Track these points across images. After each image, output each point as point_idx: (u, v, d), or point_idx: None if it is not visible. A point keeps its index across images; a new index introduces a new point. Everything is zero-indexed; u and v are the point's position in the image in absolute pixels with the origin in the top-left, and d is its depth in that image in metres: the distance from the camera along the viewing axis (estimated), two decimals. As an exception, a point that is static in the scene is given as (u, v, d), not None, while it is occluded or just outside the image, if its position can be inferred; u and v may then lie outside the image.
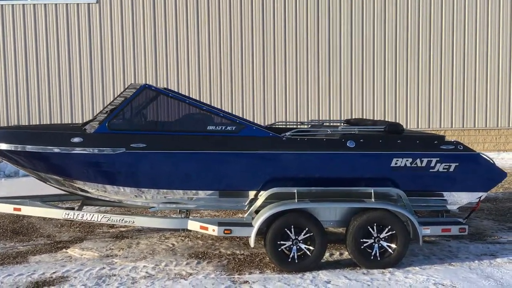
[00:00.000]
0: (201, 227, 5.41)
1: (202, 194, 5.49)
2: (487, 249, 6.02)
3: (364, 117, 13.52)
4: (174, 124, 5.51)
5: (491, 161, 5.70)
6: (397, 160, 5.52)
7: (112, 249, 6.11)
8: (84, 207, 6.49)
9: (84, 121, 6.00)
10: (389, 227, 5.34)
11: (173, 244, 6.25)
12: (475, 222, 7.24)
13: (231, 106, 13.25)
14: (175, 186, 5.39)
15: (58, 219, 6.83)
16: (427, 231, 5.43)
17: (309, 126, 7.19)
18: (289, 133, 5.57)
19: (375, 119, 13.47)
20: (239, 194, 5.57)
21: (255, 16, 13.26)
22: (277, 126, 7.38)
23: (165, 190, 5.39)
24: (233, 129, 5.43)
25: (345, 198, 5.50)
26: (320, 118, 13.45)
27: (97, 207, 7.27)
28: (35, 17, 12.80)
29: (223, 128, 5.42)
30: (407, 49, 13.59)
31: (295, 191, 5.38)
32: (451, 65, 13.75)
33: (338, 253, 5.88)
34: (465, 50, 13.74)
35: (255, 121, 12.93)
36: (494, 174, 5.66)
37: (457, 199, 5.71)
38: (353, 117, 13.42)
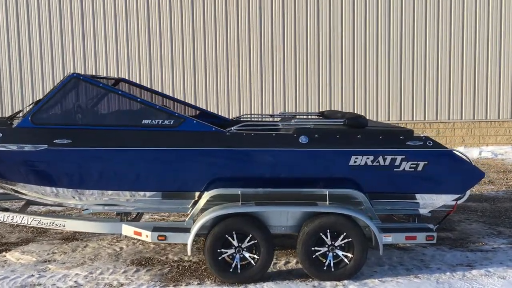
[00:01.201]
0: (135, 233, 4.88)
1: (140, 195, 4.96)
2: (465, 259, 5.34)
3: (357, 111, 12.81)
4: (105, 117, 4.98)
5: (467, 159, 5.01)
6: (356, 158, 4.87)
7: (55, 253, 5.65)
8: (30, 206, 6.04)
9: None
10: (345, 234, 4.72)
11: (121, 248, 5.76)
12: (463, 226, 6.54)
13: (227, 97, 12.71)
14: (108, 186, 4.87)
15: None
16: (388, 238, 4.78)
17: (279, 119, 6.57)
18: (235, 127, 4.98)
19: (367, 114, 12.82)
20: (182, 195, 5.02)
21: (252, 10, 12.65)
22: (243, 119, 6.78)
23: (96, 192, 4.88)
24: (171, 123, 4.87)
25: (297, 200, 4.89)
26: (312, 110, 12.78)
27: (48, 207, 6.81)
28: None
29: (159, 122, 4.87)
30: (414, 45, 12.79)
31: (239, 192, 4.80)
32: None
33: (295, 261, 5.28)
34: (464, 42, 12.88)
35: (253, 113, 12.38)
36: (470, 174, 4.96)
37: (428, 202, 5.04)
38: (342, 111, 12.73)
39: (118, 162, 4.82)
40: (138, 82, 12.24)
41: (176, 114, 4.89)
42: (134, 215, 5.85)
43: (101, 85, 4.91)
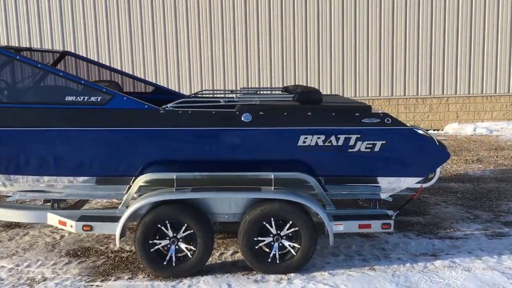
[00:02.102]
0: (60, 222, 4.43)
1: (70, 181, 4.49)
2: (431, 247, 4.85)
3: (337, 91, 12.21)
4: (24, 94, 4.48)
5: (430, 138, 4.48)
6: (306, 138, 4.36)
7: (-11, 242, 5.23)
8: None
9: None
10: (291, 222, 4.23)
11: (62, 237, 5.32)
12: (437, 209, 6.03)
13: (223, 72, 12.16)
14: (29, 171, 4.40)
15: None
16: (339, 227, 4.30)
17: (238, 95, 6.05)
18: (171, 104, 4.47)
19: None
20: (117, 181, 4.55)
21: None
22: (202, 95, 6.25)
23: (16, 177, 4.41)
24: (98, 100, 4.37)
25: (240, 185, 4.40)
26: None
27: None
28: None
29: (85, 99, 4.36)
30: (406, 16, 12.11)
31: (174, 177, 4.31)
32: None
33: (244, 250, 4.80)
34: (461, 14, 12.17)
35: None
36: (433, 154, 4.44)
37: (388, 186, 4.54)
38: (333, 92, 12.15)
39: (40, 144, 4.34)
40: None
41: (104, 90, 4.38)
42: (75, 202, 5.41)
43: (18, 57, 4.40)
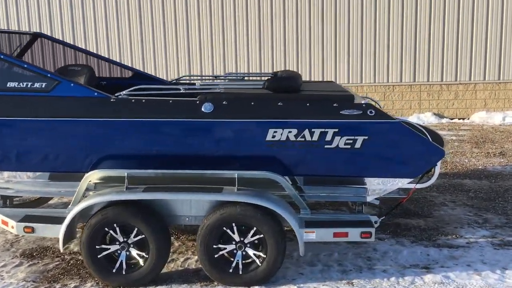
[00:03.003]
0: (3, 222, 4.01)
1: (16, 175, 4.06)
2: (425, 258, 4.23)
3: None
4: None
5: (423, 133, 3.84)
6: (275, 132, 3.79)
7: (-50, 238, 4.88)
8: None
9: None
10: (255, 228, 3.70)
11: (23, 236, 4.91)
12: (443, 211, 5.37)
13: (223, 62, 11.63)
14: None
15: None
16: (311, 235, 3.73)
17: (226, 80, 5.50)
18: (125, 92, 3.97)
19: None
20: (69, 177, 4.10)
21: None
22: (182, 81, 5.73)
23: (-43, 172, 4.01)
24: (43, 86, 3.90)
25: (200, 185, 3.88)
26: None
27: None
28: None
29: (28, 85, 3.90)
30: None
31: (125, 174, 3.82)
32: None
33: (212, 256, 4.29)
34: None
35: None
36: (425, 153, 3.81)
37: (372, 187, 3.94)
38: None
39: None
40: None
41: (49, 75, 3.91)
42: (34, 199, 5.01)
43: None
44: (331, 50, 11.53)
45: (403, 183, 3.92)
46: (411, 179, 3.90)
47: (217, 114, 3.81)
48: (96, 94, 3.91)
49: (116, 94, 3.95)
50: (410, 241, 4.58)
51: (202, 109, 3.82)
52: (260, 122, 3.79)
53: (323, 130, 3.77)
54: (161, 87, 4.01)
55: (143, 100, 3.88)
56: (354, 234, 3.73)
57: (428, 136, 3.82)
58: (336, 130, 3.77)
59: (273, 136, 3.80)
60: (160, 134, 3.85)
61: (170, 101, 3.87)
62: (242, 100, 3.85)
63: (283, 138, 3.80)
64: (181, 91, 3.99)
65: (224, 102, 3.83)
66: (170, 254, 4.12)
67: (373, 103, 5.51)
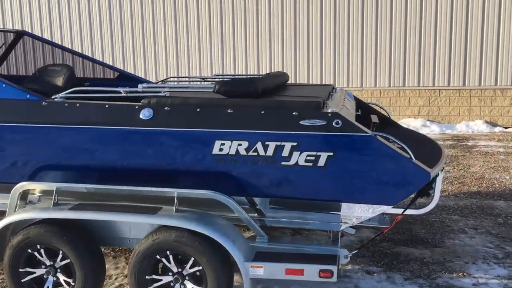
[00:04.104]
0: None
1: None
2: (413, 302, 3.46)
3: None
4: None
5: (400, 152, 3.09)
6: (223, 144, 3.18)
7: None
8: None
9: None
10: (193, 259, 3.10)
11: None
12: (461, 238, 4.54)
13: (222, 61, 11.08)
14: None
15: None
16: (258, 271, 3.08)
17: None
18: (61, 95, 3.49)
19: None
20: (7, 188, 3.68)
21: None
22: (169, 81, 5.21)
23: None
24: (-30, 87, 3.50)
25: (144, 203, 3.34)
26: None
27: None
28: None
29: (-45, 87, 3.51)
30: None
31: (54, 188, 3.34)
32: None
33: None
34: None
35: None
36: (404, 175, 3.06)
37: (342, 214, 3.23)
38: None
39: None
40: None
41: (-22, 76, 3.50)
42: None
43: None
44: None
45: (380, 210, 3.18)
46: (388, 207, 3.15)
47: (156, 122, 3.25)
48: (28, 96, 3.45)
49: (53, 97, 3.48)
50: (404, 277, 3.81)
51: (140, 116, 3.27)
52: (205, 132, 3.20)
53: (278, 143, 3.12)
54: (102, 89, 3.49)
55: (77, 104, 3.38)
56: (310, 272, 3.05)
57: (411, 154, 3.07)
58: (295, 144, 3.11)
59: (221, 149, 3.19)
60: (94, 143, 3.34)
61: (106, 106, 3.35)
62: (186, 106, 3.26)
63: (232, 151, 3.18)
64: (122, 94, 3.46)
65: (166, 108, 3.27)
66: (110, 279, 3.60)
67: (382, 110, 4.77)
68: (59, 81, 4.92)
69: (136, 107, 3.30)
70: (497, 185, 6.21)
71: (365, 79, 10.87)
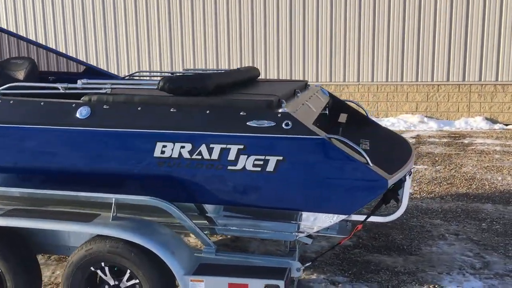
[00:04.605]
0: None
1: None
2: (374, 317, 3.19)
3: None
4: None
5: (356, 156, 2.81)
6: (165, 147, 2.93)
7: None
8: None
9: None
10: (129, 271, 2.86)
11: None
12: (439, 245, 4.26)
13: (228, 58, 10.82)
14: None
15: None
16: (198, 285, 2.82)
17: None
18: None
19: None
20: None
21: None
22: (135, 76, 4.94)
23: None
24: None
25: (77, 208, 3.09)
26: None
27: None
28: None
29: None
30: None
31: (-13, 193, 3.10)
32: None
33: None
34: None
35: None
36: (360, 182, 2.78)
37: (295, 223, 2.97)
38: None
39: None
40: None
41: None
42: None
43: None
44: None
45: (333, 220, 2.91)
46: (343, 216, 2.88)
47: (93, 121, 3.00)
48: (-39, 93, 3.21)
49: (-11, 93, 3.24)
50: (370, 289, 3.55)
51: (77, 115, 3.02)
52: (145, 133, 2.94)
53: (224, 146, 2.86)
54: (39, 85, 3.24)
55: (11, 101, 3.13)
56: (255, 287, 2.79)
57: (367, 159, 2.79)
58: (241, 146, 2.84)
59: (163, 152, 2.93)
60: (29, 143, 3.09)
61: (41, 103, 3.10)
62: (125, 104, 3.00)
63: (175, 154, 2.92)
64: (60, 90, 3.20)
65: (104, 106, 3.01)
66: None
67: (361, 109, 4.49)
68: (21, 75, 4.70)
69: (73, 105, 3.05)
70: (487, 186, 5.91)
71: (362, 74, 10.56)
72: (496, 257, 4.04)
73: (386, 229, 4.64)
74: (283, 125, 2.80)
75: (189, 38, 11.01)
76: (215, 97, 2.99)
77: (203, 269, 2.89)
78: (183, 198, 3.01)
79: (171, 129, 2.90)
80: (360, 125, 4.38)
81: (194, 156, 2.90)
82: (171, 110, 2.94)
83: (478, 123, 9.98)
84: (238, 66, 10.87)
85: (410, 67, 10.32)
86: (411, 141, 8.58)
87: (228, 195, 2.93)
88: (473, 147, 7.96)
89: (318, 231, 3.06)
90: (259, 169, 2.84)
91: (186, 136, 2.88)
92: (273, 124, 2.81)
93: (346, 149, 2.83)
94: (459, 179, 6.21)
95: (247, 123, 2.83)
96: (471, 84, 10.15)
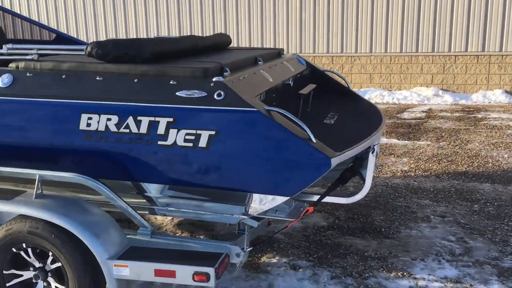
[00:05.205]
0: None
1: None
2: (327, 308, 2.91)
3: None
4: None
5: (296, 132, 2.49)
6: (90, 119, 2.67)
7: None
8: None
9: None
10: (51, 253, 2.64)
11: None
12: (417, 228, 3.92)
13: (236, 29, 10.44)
14: None
15: None
16: (123, 270, 2.58)
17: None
18: None
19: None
20: None
21: None
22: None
23: None
24: None
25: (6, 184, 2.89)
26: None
27: None
28: None
29: None
30: None
31: None
32: None
33: None
34: None
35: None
36: (300, 161, 2.47)
37: (236, 205, 2.69)
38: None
39: None
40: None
41: None
42: None
43: None
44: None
45: (276, 201, 2.61)
46: (285, 198, 2.57)
47: (14, 90, 2.75)
48: None
49: None
50: (330, 275, 3.25)
51: None
52: (70, 104, 2.68)
53: (152, 119, 2.58)
54: (-33, 52, 3.00)
55: None
56: (184, 274, 2.53)
57: (310, 135, 2.47)
58: (171, 119, 2.56)
59: (88, 125, 2.67)
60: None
61: (-34, 71, 2.86)
62: (50, 72, 2.74)
63: (102, 127, 2.66)
64: (-13, 57, 2.96)
65: (28, 74, 2.76)
66: None
67: (341, 79, 4.14)
68: (-14, 43, 4.50)
69: (-3, 73, 2.81)
70: (490, 164, 5.48)
71: (374, 44, 10.06)
72: (481, 242, 3.68)
73: (368, 209, 4.33)
74: (215, 96, 2.50)
75: (197, 6, 10.68)
76: (146, 65, 2.70)
77: (132, 253, 2.64)
78: (117, 175, 2.76)
79: (96, 99, 2.63)
80: (338, 97, 4.03)
81: (121, 130, 2.63)
82: (97, 78, 2.66)
83: (497, 96, 9.41)
84: (247, 37, 10.52)
85: (425, 37, 9.76)
86: (420, 115, 8.13)
87: (162, 173, 2.67)
88: (485, 122, 7.47)
89: (263, 213, 2.78)
90: (191, 144, 2.56)
91: (111, 108, 2.62)
92: (204, 95, 2.51)
93: (288, 123, 2.51)
94: (462, 156, 5.80)
95: (177, 93, 2.54)
96: (490, 55, 9.55)
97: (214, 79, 2.54)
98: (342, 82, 4.14)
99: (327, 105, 3.75)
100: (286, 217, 2.88)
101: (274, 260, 3.47)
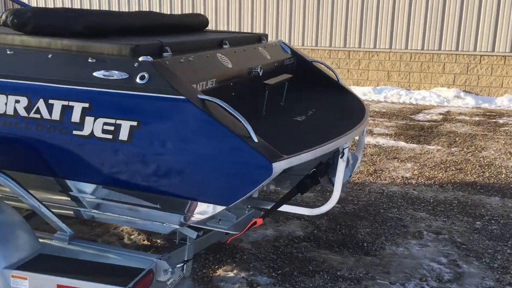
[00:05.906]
0: None
1: None
2: None
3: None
4: None
5: (234, 129, 2.02)
6: (-2, 100, 2.25)
7: None
8: None
9: None
10: None
11: None
12: (405, 246, 3.40)
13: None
14: None
15: None
16: (21, 283, 2.16)
17: None
18: None
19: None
20: None
21: None
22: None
23: None
24: None
25: None
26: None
27: None
28: None
29: None
30: None
31: None
32: None
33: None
34: None
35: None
36: (235, 163, 2.00)
37: (174, 214, 2.23)
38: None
39: None
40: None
41: None
42: None
43: None
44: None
45: (213, 211, 2.15)
46: (221, 207, 2.11)
47: None
48: None
49: None
50: (291, 298, 2.78)
51: None
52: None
53: (66, 103, 2.15)
54: None
55: None
56: (90, 291, 2.10)
57: (250, 132, 1.99)
58: (86, 105, 2.12)
59: (-4, 107, 2.26)
60: None
61: None
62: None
63: (10, 111, 2.24)
64: None
65: None
66: None
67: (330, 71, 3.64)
68: None
69: None
70: (503, 175, 4.90)
71: (394, 40, 9.46)
72: (476, 267, 3.15)
73: (354, 219, 3.83)
74: (137, 79, 2.04)
75: (212, 1, 10.25)
76: (69, 39, 2.26)
77: (37, 262, 2.22)
78: (32, 168, 2.34)
79: (3, 77, 2.21)
80: (324, 90, 3.54)
81: (32, 115, 2.21)
82: (8, 52, 2.24)
83: (523, 101, 8.72)
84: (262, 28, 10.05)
85: (450, 34, 9.12)
86: (437, 117, 7.53)
87: (81, 169, 2.24)
88: (506, 128, 6.85)
89: (201, 223, 2.32)
90: (110, 136, 2.12)
91: (19, 87, 2.19)
92: (125, 77, 2.07)
93: (228, 117, 2.05)
94: (473, 164, 5.23)
95: (94, 74, 2.10)
96: (520, 56, 8.85)
97: (140, 59, 2.09)
98: (333, 76, 3.64)
99: (306, 99, 3.27)
100: (229, 229, 2.41)
101: (231, 274, 3.01)
